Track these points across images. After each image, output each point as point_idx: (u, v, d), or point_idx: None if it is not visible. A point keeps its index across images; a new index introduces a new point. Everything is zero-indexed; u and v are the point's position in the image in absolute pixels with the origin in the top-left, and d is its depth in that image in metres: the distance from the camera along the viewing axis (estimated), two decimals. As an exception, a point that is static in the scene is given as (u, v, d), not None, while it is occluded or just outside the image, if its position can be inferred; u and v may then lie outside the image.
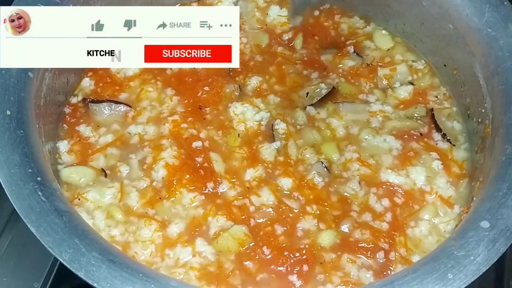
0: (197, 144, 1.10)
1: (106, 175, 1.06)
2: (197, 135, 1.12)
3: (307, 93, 1.20)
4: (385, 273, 0.97)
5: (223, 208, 1.03)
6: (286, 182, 1.07)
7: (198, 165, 1.07)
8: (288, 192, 1.06)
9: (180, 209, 1.03)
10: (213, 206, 1.03)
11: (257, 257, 0.98)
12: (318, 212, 1.03)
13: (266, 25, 1.32)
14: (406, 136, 1.14)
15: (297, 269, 0.97)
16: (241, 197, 1.05)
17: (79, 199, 1.02)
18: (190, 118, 1.14)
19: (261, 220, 1.02)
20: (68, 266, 0.79)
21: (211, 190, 1.05)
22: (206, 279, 0.96)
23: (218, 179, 1.06)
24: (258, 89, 1.20)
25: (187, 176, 1.06)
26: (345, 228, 1.02)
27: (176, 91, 1.18)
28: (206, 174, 1.06)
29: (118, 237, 1.00)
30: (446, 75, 1.23)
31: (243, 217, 1.02)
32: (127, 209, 1.02)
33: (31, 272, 1.11)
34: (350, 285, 0.96)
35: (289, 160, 1.10)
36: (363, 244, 1.00)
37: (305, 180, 1.07)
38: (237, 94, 1.18)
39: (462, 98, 1.18)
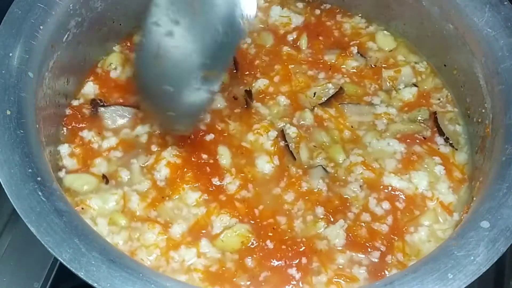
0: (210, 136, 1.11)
1: (107, 182, 1.06)
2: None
3: (314, 93, 1.20)
4: (379, 274, 0.97)
5: (227, 206, 1.03)
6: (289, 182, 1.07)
7: (203, 161, 1.08)
8: (292, 192, 1.06)
9: (183, 208, 1.03)
10: (217, 204, 1.03)
11: (261, 254, 0.98)
12: (318, 212, 1.03)
13: (268, 25, 1.32)
14: (409, 140, 1.14)
15: (295, 261, 0.97)
16: (244, 190, 1.05)
17: (82, 208, 1.02)
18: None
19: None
20: (68, 266, 0.79)
21: (215, 184, 1.05)
22: (210, 280, 0.96)
23: (224, 172, 1.07)
24: (264, 92, 1.20)
25: (190, 173, 1.06)
26: (343, 225, 1.01)
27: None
28: (211, 170, 1.07)
29: (122, 245, 0.99)
30: (446, 75, 1.23)
31: (246, 210, 1.03)
32: (130, 215, 1.02)
33: (31, 272, 1.11)
34: (343, 278, 0.96)
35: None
36: (361, 242, 1.00)
37: (308, 179, 1.07)
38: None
39: (462, 98, 1.18)
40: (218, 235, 1.00)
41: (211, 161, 1.08)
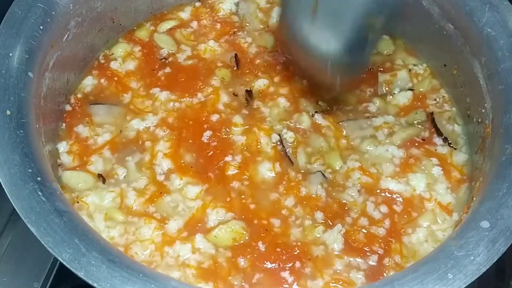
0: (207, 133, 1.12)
1: (104, 181, 1.06)
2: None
3: (316, 100, 1.19)
4: (377, 277, 0.97)
5: (223, 198, 1.04)
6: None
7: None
8: (291, 196, 1.06)
9: (181, 202, 1.03)
10: (213, 197, 1.04)
11: (255, 255, 0.98)
12: (317, 217, 1.03)
13: (268, 26, 1.32)
14: (407, 143, 1.13)
15: (289, 265, 0.97)
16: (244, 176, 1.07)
17: (78, 202, 1.02)
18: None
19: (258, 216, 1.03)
20: (68, 266, 0.79)
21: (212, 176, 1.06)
22: (203, 277, 0.96)
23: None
24: (264, 92, 1.20)
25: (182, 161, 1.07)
26: (341, 230, 1.01)
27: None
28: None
29: (118, 238, 1.00)
30: (446, 75, 1.22)
31: (243, 201, 1.03)
32: (127, 210, 1.03)
33: (31, 272, 1.11)
34: (340, 283, 0.96)
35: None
36: (359, 247, 1.00)
37: (306, 184, 1.07)
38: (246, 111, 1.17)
39: (462, 98, 1.18)
40: (212, 228, 1.00)
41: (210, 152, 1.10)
